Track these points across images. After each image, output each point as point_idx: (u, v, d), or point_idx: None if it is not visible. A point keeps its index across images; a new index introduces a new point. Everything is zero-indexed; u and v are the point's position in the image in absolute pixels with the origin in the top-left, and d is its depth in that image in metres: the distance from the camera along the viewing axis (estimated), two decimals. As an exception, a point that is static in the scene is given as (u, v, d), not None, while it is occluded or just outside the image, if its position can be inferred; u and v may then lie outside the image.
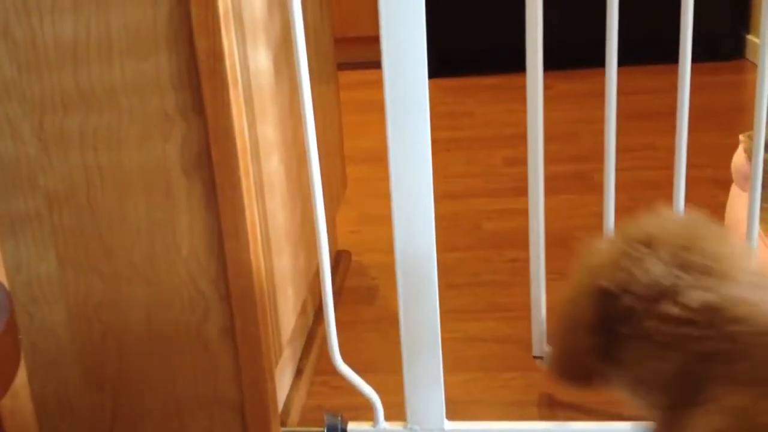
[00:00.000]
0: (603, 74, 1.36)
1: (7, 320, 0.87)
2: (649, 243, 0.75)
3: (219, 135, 1.16)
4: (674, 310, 0.71)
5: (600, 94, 1.41)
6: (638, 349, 0.72)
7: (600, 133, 1.45)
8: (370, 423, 1.40)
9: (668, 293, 0.71)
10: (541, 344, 1.55)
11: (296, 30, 1.18)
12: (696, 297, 0.71)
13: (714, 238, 0.76)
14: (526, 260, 1.54)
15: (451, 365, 1.45)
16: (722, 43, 3.46)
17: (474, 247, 2.14)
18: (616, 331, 0.73)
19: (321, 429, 1.42)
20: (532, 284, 1.51)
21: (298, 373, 1.61)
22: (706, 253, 0.73)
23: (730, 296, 0.70)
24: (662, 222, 0.79)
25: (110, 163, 1.19)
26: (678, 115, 1.25)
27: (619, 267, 0.74)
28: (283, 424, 1.45)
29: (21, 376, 1.28)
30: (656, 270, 0.72)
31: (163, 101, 1.16)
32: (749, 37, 3.46)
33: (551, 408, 1.53)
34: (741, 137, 1.92)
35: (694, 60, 1.26)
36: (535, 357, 1.57)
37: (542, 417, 1.50)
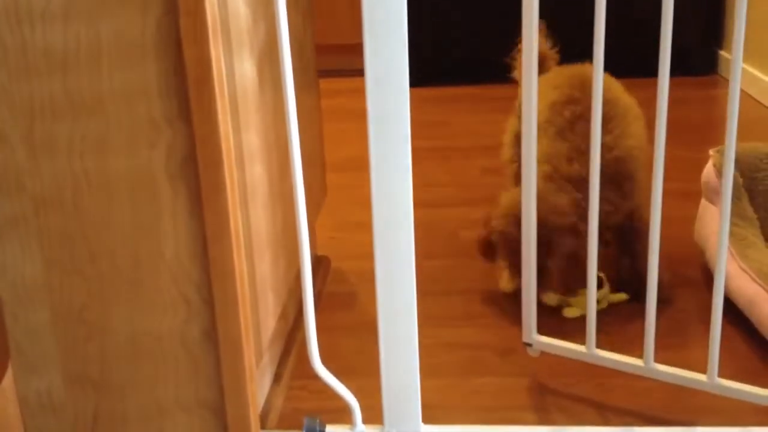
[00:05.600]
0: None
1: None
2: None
3: (204, 142, 1.18)
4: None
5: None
6: None
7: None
8: (348, 426, 1.42)
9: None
10: (530, 332, 1.59)
11: (282, 42, 1.20)
12: None
13: None
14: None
15: (428, 370, 1.48)
16: (695, 58, 3.52)
17: (451, 255, 2.17)
18: None
19: (299, 432, 1.45)
20: (523, 273, 1.56)
21: (277, 377, 1.64)
22: None
23: None
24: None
25: (97, 168, 1.21)
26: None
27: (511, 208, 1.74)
28: (263, 427, 1.47)
29: (7, 376, 1.29)
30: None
31: (150, 109, 1.18)
32: (722, 52, 3.52)
33: (525, 412, 1.56)
34: (711, 152, 1.97)
35: (665, 75, 1.30)
36: (525, 343, 1.62)
37: (516, 422, 1.53)
